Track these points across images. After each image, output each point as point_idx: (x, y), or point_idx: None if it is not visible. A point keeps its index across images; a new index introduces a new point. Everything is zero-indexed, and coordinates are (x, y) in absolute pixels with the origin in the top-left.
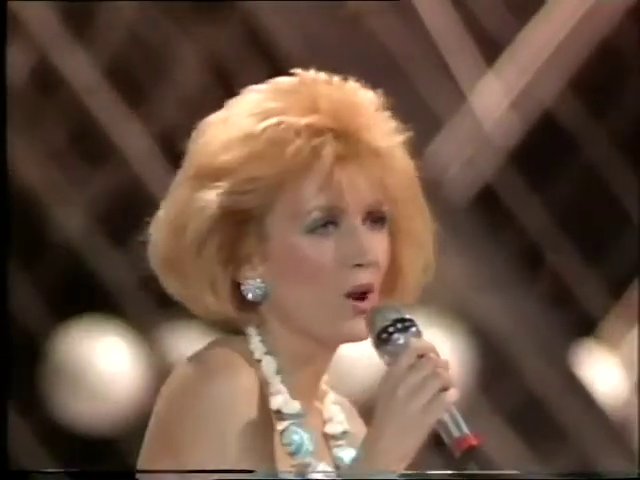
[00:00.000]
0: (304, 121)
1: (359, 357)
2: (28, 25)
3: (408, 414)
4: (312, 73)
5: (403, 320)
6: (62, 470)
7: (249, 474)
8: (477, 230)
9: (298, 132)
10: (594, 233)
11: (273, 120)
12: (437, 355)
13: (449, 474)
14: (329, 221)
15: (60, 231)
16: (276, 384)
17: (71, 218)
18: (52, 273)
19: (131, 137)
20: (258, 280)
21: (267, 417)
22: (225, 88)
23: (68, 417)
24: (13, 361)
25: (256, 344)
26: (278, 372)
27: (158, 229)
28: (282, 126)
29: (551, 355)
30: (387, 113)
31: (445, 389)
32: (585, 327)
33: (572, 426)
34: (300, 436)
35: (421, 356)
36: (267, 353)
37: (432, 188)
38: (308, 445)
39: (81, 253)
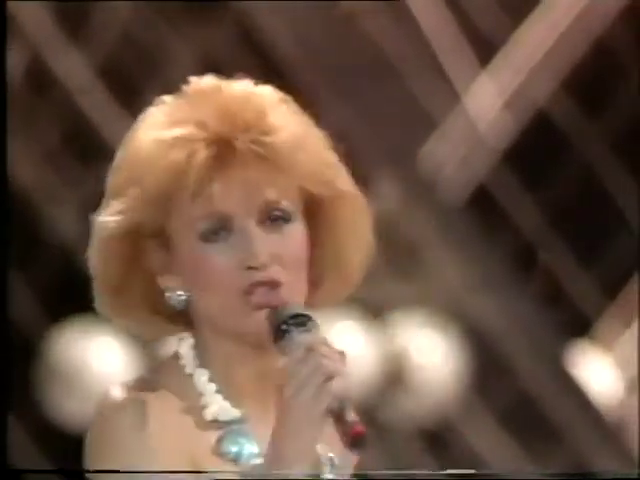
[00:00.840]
0: (173, 134)
1: (351, 360)
2: (22, 25)
3: (297, 407)
4: (203, 81)
5: (298, 316)
6: (58, 469)
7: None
8: (471, 230)
9: (171, 145)
10: (588, 233)
11: (150, 138)
12: (328, 347)
13: (448, 474)
14: (219, 227)
15: (55, 231)
16: (209, 395)
17: (65, 218)
18: (47, 273)
19: (125, 137)
20: (179, 290)
21: (197, 431)
22: None
23: (63, 417)
24: (13, 362)
25: (187, 359)
26: (211, 381)
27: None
28: (156, 142)
29: (545, 355)
30: (286, 107)
31: (330, 379)
32: (579, 327)
33: (566, 426)
34: (238, 442)
35: (310, 350)
36: (199, 366)
37: (426, 188)
38: (251, 449)
39: (76, 253)
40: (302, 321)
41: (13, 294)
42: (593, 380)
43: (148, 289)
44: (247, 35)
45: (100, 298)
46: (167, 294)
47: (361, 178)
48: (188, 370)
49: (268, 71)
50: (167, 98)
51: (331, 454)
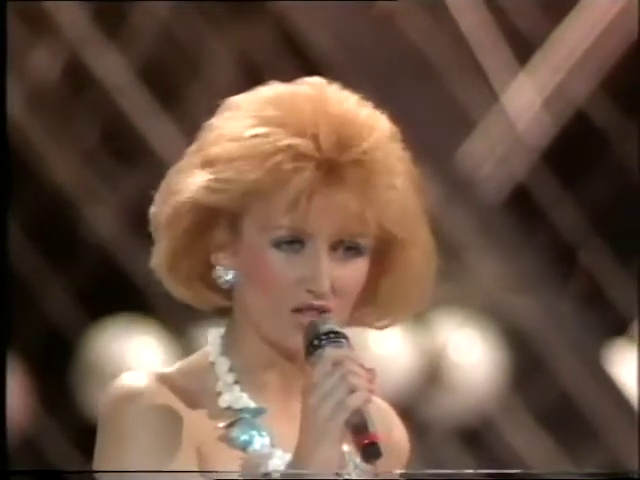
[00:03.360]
0: (288, 142)
1: (390, 358)
2: (60, 24)
3: (318, 420)
4: (323, 86)
5: (331, 333)
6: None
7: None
8: (510, 229)
9: (281, 149)
10: (627, 232)
11: (264, 129)
12: (356, 363)
13: (486, 473)
14: (295, 240)
15: (93, 230)
16: (225, 382)
17: (103, 217)
18: (85, 272)
19: (164, 137)
20: (229, 268)
21: (208, 418)
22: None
23: None
24: (44, 362)
25: (213, 346)
26: (232, 370)
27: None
28: (269, 138)
29: (583, 354)
30: (393, 139)
31: (353, 393)
32: (617, 326)
33: (604, 425)
34: (248, 432)
35: (337, 364)
36: (222, 354)
37: (465, 187)
38: (260, 441)
39: (113, 252)
40: (336, 338)
41: (51, 293)
42: (631, 379)
43: (202, 259)
44: (286, 35)
45: (159, 255)
46: (217, 268)
47: None
48: (212, 358)
49: (306, 71)
50: (282, 88)
51: (357, 459)
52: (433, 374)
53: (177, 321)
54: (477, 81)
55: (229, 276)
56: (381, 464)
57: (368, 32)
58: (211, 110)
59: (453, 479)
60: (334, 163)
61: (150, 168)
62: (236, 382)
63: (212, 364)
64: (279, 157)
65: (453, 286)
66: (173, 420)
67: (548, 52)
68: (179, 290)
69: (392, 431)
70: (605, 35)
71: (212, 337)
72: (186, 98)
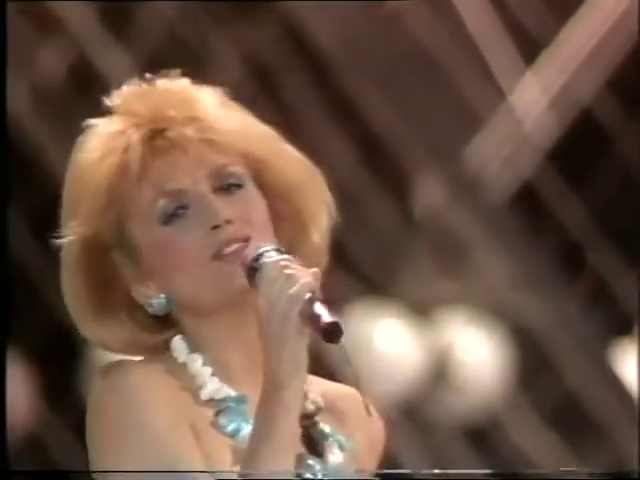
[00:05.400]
0: (107, 129)
1: (397, 357)
2: (66, 24)
3: (274, 322)
4: (129, 88)
5: (264, 252)
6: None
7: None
8: (516, 229)
9: (106, 145)
10: (632, 231)
11: (87, 151)
12: (292, 262)
13: (492, 473)
14: (177, 207)
15: None
16: (204, 377)
17: None
18: None
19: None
20: (156, 295)
21: (195, 407)
22: (264, 87)
23: None
24: (49, 358)
25: (179, 350)
26: (206, 365)
27: None
28: (93, 150)
29: (590, 353)
30: (206, 87)
31: (296, 285)
32: (624, 325)
33: (610, 424)
34: (234, 418)
35: (278, 267)
36: (192, 352)
37: (472, 187)
38: (249, 426)
39: None
40: (269, 252)
41: (56, 290)
42: (637, 378)
43: (128, 305)
44: (292, 35)
45: (81, 323)
46: (147, 302)
47: (406, 176)
48: (181, 359)
49: (313, 71)
50: (96, 120)
51: (340, 436)
52: (440, 373)
53: None
54: (484, 81)
55: (158, 298)
56: (361, 454)
57: (375, 32)
58: None
59: (459, 479)
60: (156, 116)
61: None
62: (213, 374)
63: (183, 364)
64: (109, 150)
65: (460, 285)
66: (168, 401)
67: (554, 52)
68: (119, 341)
69: (370, 420)
70: (610, 35)
71: (175, 343)
72: None
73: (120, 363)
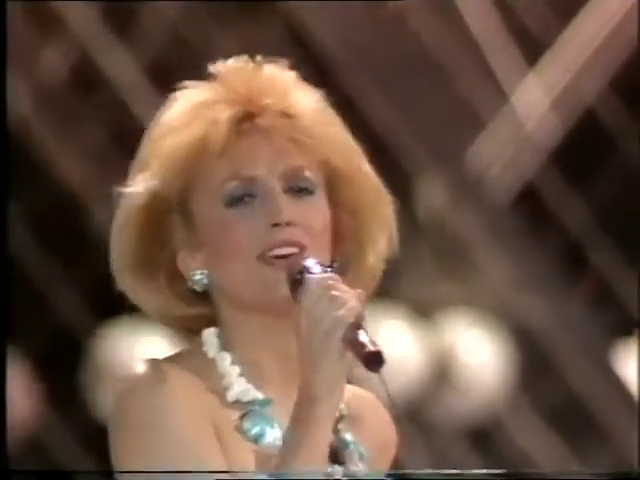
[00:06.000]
0: (198, 98)
1: (399, 359)
2: (69, 24)
3: (314, 343)
4: (228, 62)
5: (312, 265)
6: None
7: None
8: (519, 230)
9: (192, 110)
10: (635, 233)
11: (175, 112)
12: (340, 282)
13: (494, 473)
14: (244, 194)
15: (101, 230)
16: (232, 377)
17: (112, 217)
18: (93, 272)
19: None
20: (199, 269)
21: (220, 409)
22: None
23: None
24: (54, 358)
25: (210, 344)
26: (234, 364)
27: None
28: (180, 111)
29: (592, 355)
30: (308, 87)
31: (343, 310)
32: (626, 326)
33: (612, 425)
34: (258, 424)
35: (323, 287)
36: (222, 349)
37: (474, 188)
38: (271, 433)
39: None
40: (318, 268)
41: (59, 293)
42: (637, 379)
43: (171, 271)
44: (295, 35)
45: (121, 275)
46: (189, 273)
47: (409, 178)
48: (211, 354)
49: (315, 71)
50: (192, 82)
51: (362, 447)
52: (442, 374)
53: None
54: (486, 82)
55: (201, 276)
56: (375, 459)
57: (377, 32)
58: None
59: (461, 479)
60: (251, 99)
61: None
62: (241, 375)
63: (213, 360)
64: (196, 117)
65: (462, 286)
66: (193, 403)
67: (557, 52)
68: (153, 304)
69: (384, 426)
70: (613, 35)
71: (207, 336)
72: None
73: (148, 363)
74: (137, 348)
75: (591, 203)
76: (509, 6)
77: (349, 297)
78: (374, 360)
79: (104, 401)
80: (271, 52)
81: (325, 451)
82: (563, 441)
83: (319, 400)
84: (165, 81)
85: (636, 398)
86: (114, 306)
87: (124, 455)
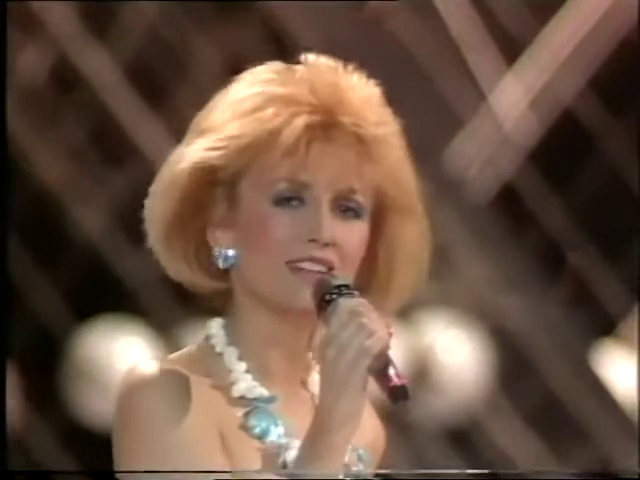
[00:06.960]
0: (282, 90)
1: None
2: (48, 24)
3: (338, 371)
4: (318, 59)
5: (342, 286)
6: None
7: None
8: (497, 229)
9: (274, 100)
10: (614, 232)
11: (257, 89)
12: (369, 309)
13: (473, 473)
14: (294, 196)
15: (80, 230)
16: (237, 372)
17: (91, 217)
18: (73, 272)
19: (151, 136)
20: (228, 247)
21: (224, 406)
22: None
23: (87, 416)
24: (34, 360)
25: (217, 338)
26: (241, 359)
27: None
28: (263, 94)
29: (571, 355)
30: (385, 108)
31: (371, 339)
32: (605, 326)
33: (592, 426)
34: (263, 421)
35: (352, 313)
36: (229, 344)
37: (453, 188)
38: (275, 430)
39: (101, 252)
40: (348, 291)
41: (38, 293)
42: (618, 380)
43: (199, 241)
44: (274, 35)
45: (153, 230)
46: (216, 247)
47: None
48: (218, 349)
49: None
50: (279, 64)
51: (360, 449)
52: (420, 374)
53: (165, 321)
54: (465, 81)
55: (227, 254)
56: (372, 461)
57: (357, 33)
58: (199, 109)
59: (440, 479)
60: (330, 111)
61: (138, 167)
62: (247, 371)
63: (219, 355)
64: (274, 107)
65: (440, 286)
66: (196, 404)
67: (535, 52)
68: (176, 267)
69: (375, 427)
70: (592, 35)
71: (215, 329)
72: (174, 98)
73: (151, 362)
74: (116, 348)
75: (570, 203)
76: (488, 6)
77: (378, 326)
78: (399, 394)
79: (83, 401)
80: (250, 52)
81: (338, 474)
82: (542, 441)
83: (337, 429)
84: (144, 81)
85: (615, 398)
86: (93, 306)
87: (126, 455)
